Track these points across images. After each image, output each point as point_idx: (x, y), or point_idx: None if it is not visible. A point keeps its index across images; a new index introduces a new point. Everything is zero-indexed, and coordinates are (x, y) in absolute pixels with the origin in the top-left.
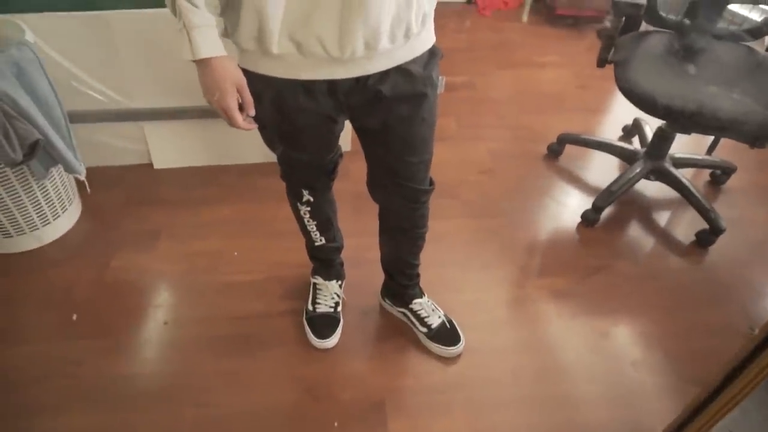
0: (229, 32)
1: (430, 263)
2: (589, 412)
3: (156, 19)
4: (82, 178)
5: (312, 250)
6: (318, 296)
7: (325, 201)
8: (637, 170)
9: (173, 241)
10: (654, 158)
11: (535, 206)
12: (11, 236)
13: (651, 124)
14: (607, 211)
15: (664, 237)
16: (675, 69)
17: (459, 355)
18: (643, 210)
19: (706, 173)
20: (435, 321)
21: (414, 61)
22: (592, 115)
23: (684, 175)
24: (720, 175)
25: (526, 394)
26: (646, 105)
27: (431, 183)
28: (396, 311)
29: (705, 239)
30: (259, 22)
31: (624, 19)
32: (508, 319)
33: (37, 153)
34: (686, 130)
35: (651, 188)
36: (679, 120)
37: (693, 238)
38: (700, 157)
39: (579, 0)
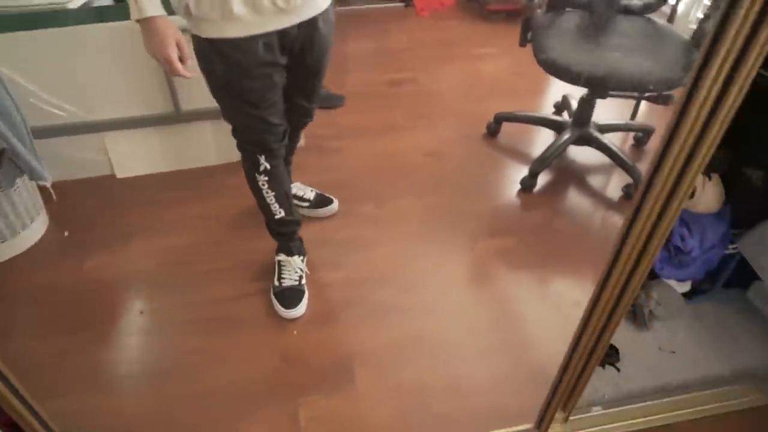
0: (191, 8)
1: (383, 240)
2: (543, 351)
3: (109, 32)
4: (48, 184)
5: (272, 224)
6: (283, 272)
7: (281, 171)
8: (566, 137)
9: (144, 240)
10: (580, 125)
11: (478, 180)
12: None
13: (576, 98)
14: (544, 178)
15: (596, 195)
16: (586, 41)
17: (335, 214)
18: (576, 174)
19: (630, 138)
20: (310, 194)
21: (327, 9)
22: (527, 97)
23: (609, 139)
24: (642, 137)
25: (482, 341)
26: (562, 73)
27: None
28: None
29: (631, 193)
30: None
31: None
32: (461, 280)
33: (3, 162)
34: (601, 94)
35: (582, 155)
36: (592, 84)
37: (621, 193)
38: (621, 122)
39: None
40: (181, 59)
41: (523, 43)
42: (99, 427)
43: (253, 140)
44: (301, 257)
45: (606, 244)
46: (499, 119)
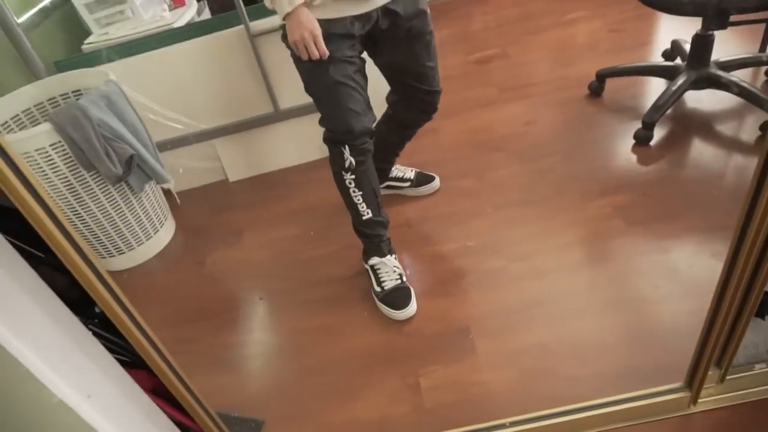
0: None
1: (488, 210)
2: (671, 307)
3: (211, 43)
4: (171, 186)
5: (359, 225)
6: (381, 275)
7: (367, 168)
8: (681, 80)
9: (256, 234)
10: (697, 66)
11: (585, 141)
12: (123, 252)
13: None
14: (662, 130)
15: (725, 140)
16: None
17: (436, 191)
18: (700, 121)
19: (761, 74)
20: (410, 174)
21: None
22: (629, 52)
23: (737, 76)
24: None
25: (603, 300)
26: (671, 6)
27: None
28: (384, 189)
29: None
30: None
31: None
32: (575, 240)
33: (133, 167)
34: (719, 23)
35: (705, 99)
36: (706, 11)
37: (758, 133)
38: (748, 55)
39: None
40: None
41: None
42: (227, 404)
43: (333, 123)
44: (394, 255)
45: (743, 188)
46: (602, 76)
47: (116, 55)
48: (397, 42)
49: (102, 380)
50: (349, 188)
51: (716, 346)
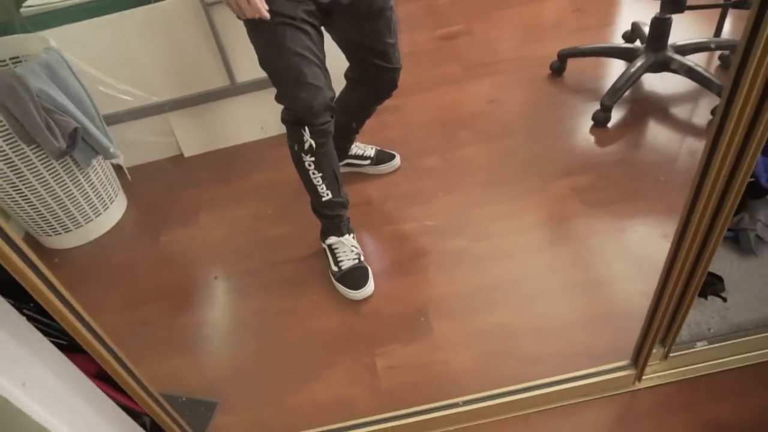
0: None
1: (451, 189)
2: (629, 286)
3: (163, 12)
4: (121, 162)
5: (319, 206)
6: (338, 255)
7: (328, 150)
8: (639, 63)
9: (213, 212)
10: (655, 49)
11: (546, 121)
12: (70, 230)
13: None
14: (620, 111)
15: (680, 123)
16: None
17: (398, 169)
18: (656, 104)
19: (715, 59)
20: (370, 152)
21: None
22: (592, 32)
23: (692, 60)
24: (729, 56)
25: (563, 281)
26: None
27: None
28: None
29: None
30: None
31: None
32: (537, 220)
33: (77, 141)
34: (677, 7)
35: (660, 83)
36: None
37: (710, 117)
38: (703, 40)
39: None
40: None
41: None
42: (184, 388)
43: (292, 101)
44: (352, 235)
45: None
46: (563, 56)
47: (59, 20)
48: (358, 18)
49: (38, 367)
50: (308, 170)
51: (661, 325)
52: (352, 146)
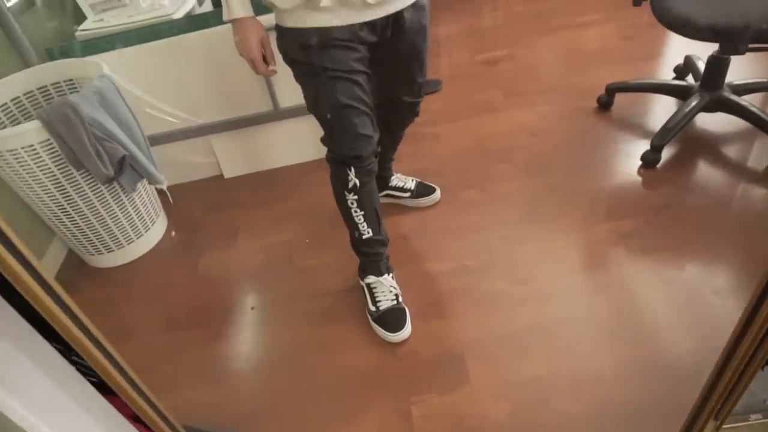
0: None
1: (492, 224)
2: (674, 343)
3: (210, 37)
4: (164, 187)
5: (358, 244)
6: (376, 294)
7: (371, 189)
8: (693, 103)
9: (250, 237)
10: (710, 89)
11: (591, 158)
12: (112, 250)
13: (704, 59)
14: (669, 151)
15: (733, 167)
16: None
17: (437, 203)
18: (708, 144)
19: None
20: (410, 184)
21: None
22: (641, 63)
23: (748, 101)
24: None
25: (604, 331)
26: (688, 29)
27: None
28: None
29: None
30: None
31: None
32: (578, 264)
33: (125, 168)
34: (738, 50)
35: (714, 121)
36: (727, 39)
37: (766, 162)
38: (761, 80)
39: None
40: (265, 59)
41: (637, 1)
42: (213, 420)
43: (342, 149)
44: (391, 275)
45: (749, 221)
46: (612, 90)
47: (112, 45)
48: (396, 56)
49: (82, 415)
50: (350, 208)
51: (720, 398)
52: (393, 177)
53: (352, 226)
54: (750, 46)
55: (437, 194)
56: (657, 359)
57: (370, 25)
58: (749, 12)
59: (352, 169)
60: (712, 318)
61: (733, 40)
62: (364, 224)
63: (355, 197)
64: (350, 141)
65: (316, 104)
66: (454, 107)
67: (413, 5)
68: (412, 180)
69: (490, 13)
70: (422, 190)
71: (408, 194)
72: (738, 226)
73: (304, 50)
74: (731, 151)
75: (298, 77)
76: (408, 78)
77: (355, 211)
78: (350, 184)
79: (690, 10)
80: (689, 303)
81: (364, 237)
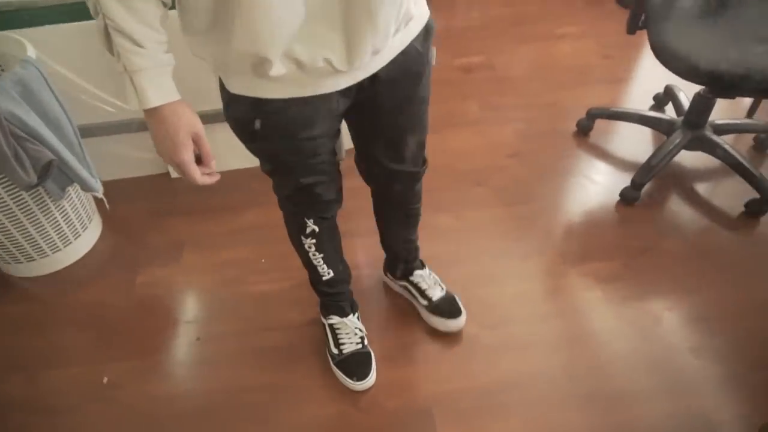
0: (212, 63)
1: (466, 257)
2: (650, 407)
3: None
4: (100, 195)
5: (318, 284)
6: (340, 336)
7: (331, 229)
8: (677, 141)
9: (198, 252)
10: (693, 127)
11: (569, 188)
12: (34, 259)
13: (685, 91)
14: (647, 187)
15: (710, 210)
16: (715, 28)
17: (460, 330)
18: (684, 182)
19: (748, 138)
20: (436, 294)
21: (412, 42)
22: (619, 85)
23: (728, 143)
24: (765, 138)
25: (581, 391)
26: (687, 71)
27: (425, 162)
28: (397, 285)
29: (756, 209)
30: (255, 51)
31: None
32: (554, 311)
33: (51, 174)
34: (731, 95)
35: (690, 158)
36: (724, 85)
37: (742, 208)
38: (742, 122)
39: None
40: (199, 160)
41: (632, 30)
42: None
43: (301, 211)
44: (356, 314)
45: (727, 272)
46: (593, 116)
47: (41, 20)
48: (376, 111)
49: None
50: (308, 252)
51: None
52: (417, 273)
53: (311, 267)
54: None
55: (460, 322)
56: (635, 426)
57: (349, 89)
58: (753, 60)
59: (311, 219)
60: (688, 380)
61: (731, 86)
62: (324, 266)
63: (313, 241)
64: (310, 207)
65: (271, 173)
66: (431, 116)
67: (402, 52)
68: (442, 289)
69: (465, 12)
70: (445, 308)
71: (426, 303)
72: (715, 276)
73: (251, 133)
74: (708, 192)
75: (246, 143)
76: (392, 139)
77: (314, 255)
78: (308, 230)
79: (690, 50)
80: (666, 361)
81: (324, 278)
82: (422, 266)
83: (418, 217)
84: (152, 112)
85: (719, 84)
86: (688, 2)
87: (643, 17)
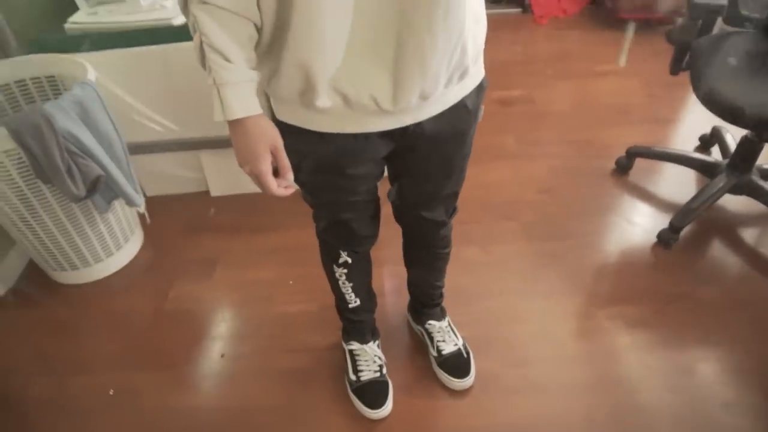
0: (264, 84)
1: (491, 292)
2: None
3: None
4: (142, 210)
5: (344, 310)
6: (359, 363)
7: (364, 261)
8: (720, 185)
9: (229, 269)
10: (739, 171)
11: (603, 227)
12: (77, 268)
13: (733, 133)
14: (686, 230)
15: (752, 258)
16: (761, 73)
17: (467, 389)
18: (726, 228)
19: None
20: (448, 348)
21: (464, 98)
22: (663, 126)
23: None
24: None
25: None
26: (732, 116)
27: (455, 210)
28: (415, 327)
29: None
30: (303, 75)
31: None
32: (578, 354)
33: (99, 189)
34: None
35: (733, 202)
36: None
37: None
38: None
39: (643, 3)
40: (276, 172)
41: (675, 71)
42: None
43: (338, 244)
44: (377, 342)
45: (766, 325)
46: (633, 154)
47: (103, 44)
48: (415, 161)
49: None
50: (338, 280)
51: None
52: (431, 324)
53: (339, 294)
54: None
55: (465, 383)
56: None
57: (393, 132)
58: None
59: (345, 251)
60: None
61: None
62: (352, 294)
63: (345, 271)
64: (345, 241)
65: (313, 206)
66: None
67: (452, 107)
68: (455, 344)
69: (509, 47)
70: (453, 365)
71: (435, 354)
72: (753, 330)
73: (294, 165)
74: (751, 239)
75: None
76: (426, 189)
77: (344, 283)
78: (341, 260)
79: (737, 96)
80: (694, 416)
81: (350, 306)
82: (441, 317)
83: (445, 262)
84: (235, 124)
85: (765, 128)
86: (734, 44)
87: (687, 58)
